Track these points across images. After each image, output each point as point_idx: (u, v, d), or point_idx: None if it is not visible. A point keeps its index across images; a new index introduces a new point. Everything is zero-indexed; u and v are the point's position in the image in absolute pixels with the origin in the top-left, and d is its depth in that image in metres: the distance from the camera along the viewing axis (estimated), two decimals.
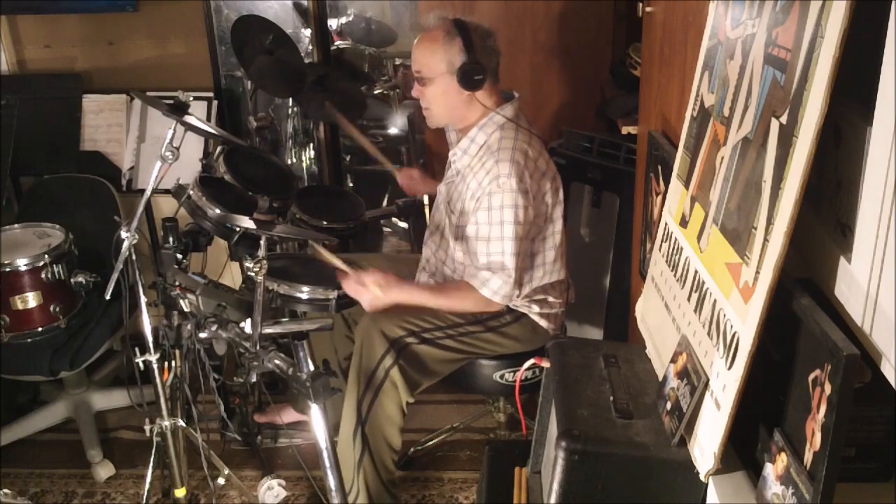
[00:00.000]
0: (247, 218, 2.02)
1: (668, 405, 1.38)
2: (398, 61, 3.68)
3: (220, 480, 2.19)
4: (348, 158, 3.63)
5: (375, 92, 3.65)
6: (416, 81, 2.16)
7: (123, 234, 1.90)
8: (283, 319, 2.10)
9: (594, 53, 3.08)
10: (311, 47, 3.20)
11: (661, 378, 1.48)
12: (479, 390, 2.39)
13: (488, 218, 2.07)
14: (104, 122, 3.16)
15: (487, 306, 2.14)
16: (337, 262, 2.12)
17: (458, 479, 2.54)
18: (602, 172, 2.79)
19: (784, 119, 1.09)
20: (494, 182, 2.05)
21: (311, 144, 3.32)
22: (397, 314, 2.15)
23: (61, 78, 3.20)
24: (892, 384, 0.95)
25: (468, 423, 2.77)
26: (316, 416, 2.02)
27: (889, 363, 0.95)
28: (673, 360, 1.41)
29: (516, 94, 2.22)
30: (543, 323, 2.25)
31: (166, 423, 2.07)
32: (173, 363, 2.08)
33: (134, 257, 1.93)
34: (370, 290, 2.04)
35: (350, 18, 3.67)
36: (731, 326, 1.20)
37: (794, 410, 1.12)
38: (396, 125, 3.70)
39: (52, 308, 2.49)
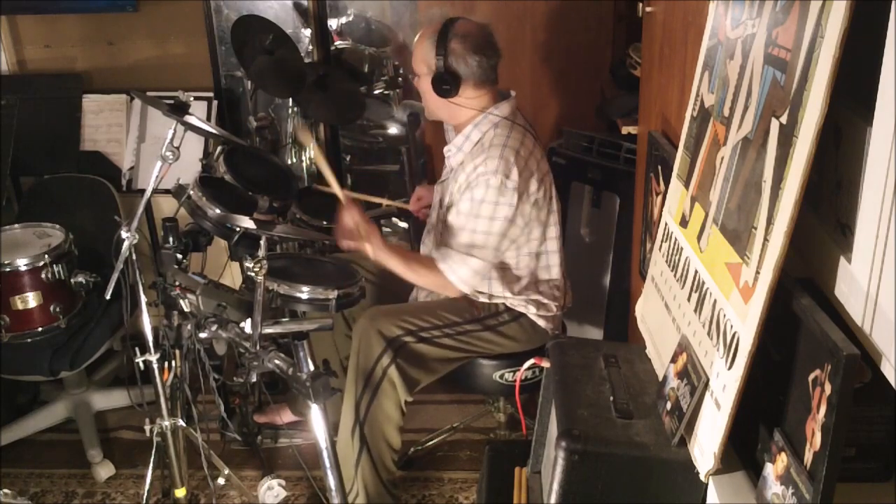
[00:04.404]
0: (247, 218, 2.02)
1: (668, 405, 1.38)
2: (398, 61, 3.68)
3: (220, 480, 2.19)
4: (348, 158, 3.63)
5: (375, 92, 3.65)
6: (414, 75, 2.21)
7: (123, 234, 1.89)
8: (283, 319, 2.10)
9: (594, 53, 3.08)
10: (311, 47, 3.20)
11: (661, 378, 1.48)
12: (479, 390, 2.39)
13: (468, 209, 2.09)
14: (104, 122, 3.16)
15: (445, 288, 2.16)
16: (333, 183, 2.16)
17: (458, 479, 2.54)
18: (602, 172, 2.79)
19: (784, 119, 1.09)
20: (481, 177, 2.06)
21: (312, 144, 3.31)
22: (395, 313, 2.16)
23: (61, 78, 3.20)
24: (892, 384, 0.95)
25: (468, 423, 2.77)
26: (316, 416, 2.02)
27: (889, 363, 0.95)
28: (673, 360, 1.41)
29: (513, 93, 2.22)
30: (542, 323, 2.25)
31: (166, 423, 2.07)
32: (173, 363, 2.08)
33: (134, 257, 1.93)
34: (355, 233, 2.09)
35: (350, 18, 3.66)
36: (731, 326, 1.20)
37: (794, 410, 1.12)
38: (396, 125, 3.70)
39: (52, 308, 2.49)
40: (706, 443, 1.25)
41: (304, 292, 2.04)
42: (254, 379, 2.04)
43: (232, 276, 2.77)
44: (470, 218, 2.09)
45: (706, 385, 1.27)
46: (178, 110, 1.94)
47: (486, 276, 2.14)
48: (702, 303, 1.33)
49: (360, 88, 3.21)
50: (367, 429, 2.12)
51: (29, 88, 3.14)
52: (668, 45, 1.89)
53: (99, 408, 2.81)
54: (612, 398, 1.48)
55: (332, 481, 2.07)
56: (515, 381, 2.17)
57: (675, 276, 1.51)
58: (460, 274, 2.11)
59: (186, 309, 2.00)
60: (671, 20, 1.86)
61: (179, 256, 2.06)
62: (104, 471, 2.60)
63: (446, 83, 2.10)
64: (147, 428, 2.09)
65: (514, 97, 2.21)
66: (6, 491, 2.02)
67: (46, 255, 2.46)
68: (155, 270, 2.14)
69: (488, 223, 2.07)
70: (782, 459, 1.10)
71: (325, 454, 2.05)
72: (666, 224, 1.62)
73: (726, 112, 1.33)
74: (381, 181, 3.61)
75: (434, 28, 2.12)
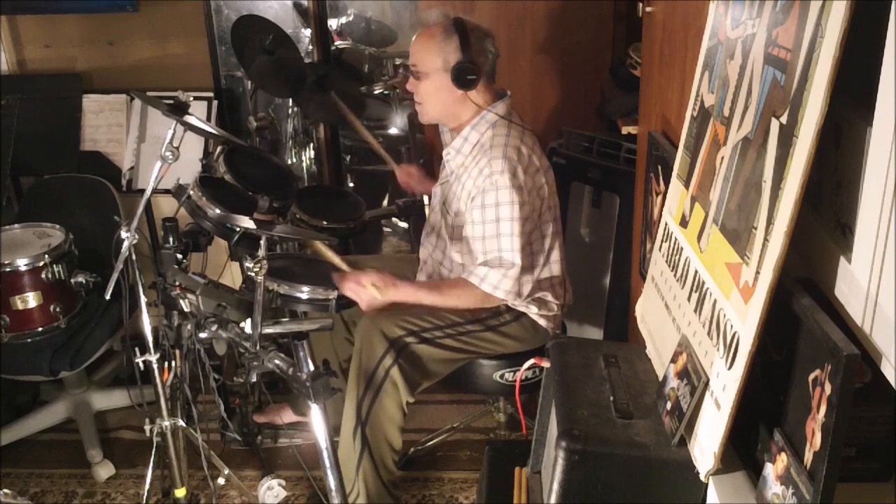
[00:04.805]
0: (247, 218, 2.02)
1: (668, 405, 1.38)
2: (398, 61, 3.68)
3: (220, 480, 2.19)
4: (348, 158, 3.64)
5: (375, 92, 3.65)
6: (412, 75, 2.18)
7: (123, 234, 1.89)
8: (283, 319, 2.10)
9: (594, 53, 3.07)
10: (311, 47, 3.20)
11: (661, 378, 1.48)
12: (479, 390, 2.39)
13: (483, 216, 2.07)
14: (104, 122, 3.16)
15: (486, 301, 2.14)
16: (336, 259, 2.14)
17: (458, 479, 2.54)
18: (602, 172, 2.79)
19: (784, 119, 1.09)
20: (488, 179, 2.05)
21: (311, 144, 3.32)
22: (396, 314, 2.16)
23: (61, 78, 3.19)
24: (892, 384, 0.95)
25: (468, 423, 2.77)
26: (316, 416, 2.02)
27: (889, 363, 0.95)
28: (673, 360, 1.41)
29: (508, 93, 2.22)
30: (543, 322, 2.25)
31: (166, 423, 2.07)
32: (173, 363, 2.08)
33: (134, 257, 1.93)
34: (368, 289, 2.05)
35: (350, 18, 3.67)
36: (731, 326, 1.20)
37: (794, 410, 1.12)
38: (396, 125, 3.70)
39: (52, 308, 2.49)
40: (706, 443, 1.25)
41: (304, 292, 2.04)
42: (254, 379, 2.04)
43: (232, 276, 2.78)
44: (490, 224, 2.07)
45: (706, 385, 1.27)
46: (178, 110, 1.94)
47: (525, 280, 2.12)
48: (702, 303, 1.33)
49: (360, 88, 3.21)
50: (368, 430, 2.12)
51: (29, 88, 3.14)
52: (668, 45, 1.89)
53: (99, 408, 2.81)
54: (612, 398, 1.48)
55: (332, 481, 2.08)
56: (515, 381, 2.16)
57: (675, 276, 1.51)
58: (505, 287, 2.09)
59: (186, 309, 2.00)
60: (671, 20, 1.86)
61: (179, 256, 2.06)
62: (104, 471, 2.60)
63: (472, 73, 2.09)
64: (147, 428, 2.09)
65: (510, 96, 2.22)
66: (6, 491, 2.01)
67: (46, 255, 2.46)
68: (155, 270, 2.14)
69: (510, 224, 2.06)
70: (782, 459, 1.10)
71: (325, 454, 2.05)
72: (666, 224, 1.62)
73: (726, 112, 1.33)
74: (382, 181, 3.61)
75: (446, 24, 2.12)
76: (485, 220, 2.07)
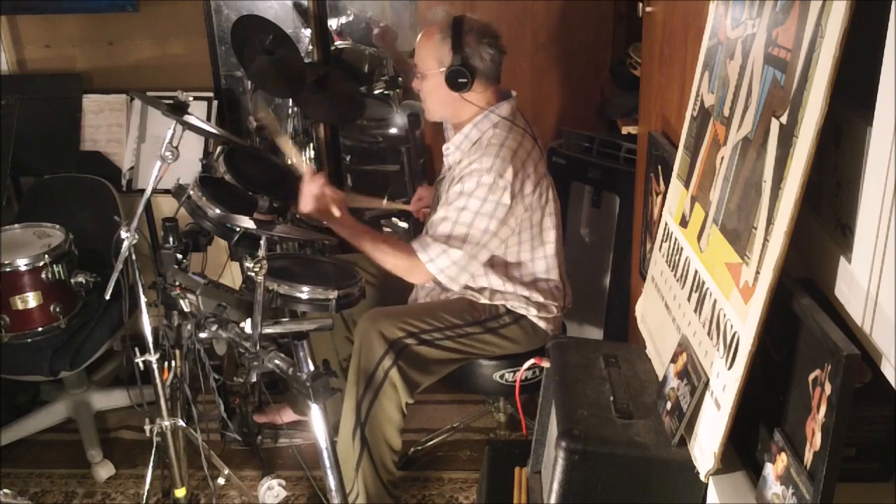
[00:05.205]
0: (247, 218, 2.02)
1: (668, 405, 1.38)
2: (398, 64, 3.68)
3: (220, 480, 2.19)
4: (348, 158, 3.63)
5: (375, 92, 3.65)
6: (416, 74, 2.19)
7: (123, 234, 1.89)
8: (283, 319, 2.10)
9: (594, 53, 3.08)
10: (311, 47, 3.20)
11: (661, 378, 1.48)
12: (479, 390, 2.39)
13: (455, 200, 2.08)
14: (104, 122, 3.16)
15: (414, 269, 2.11)
16: (296, 157, 2.16)
17: (458, 479, 2.54)
18: (602, 172, 2.79)
19: (784, 119, 1.09)
20: (474, 172, 2.06)
21: (311, 144, 3.31)
22: (396, 315, 2.16)
23: (61, 78, 3.19)
24: (892, 384, 0.95)
25: (468, 423, 2.77)
26: (316, 416, 2.02)
27: (889, 363, 0.95)
28: (673, 360, 1.41)
29: (514, 93, 2.22)
30: (542, 325, 2.25)
31: (166, 423, 2.07)
32: (173, 363, 2.08)
33: (134, 257, 1.93)
34: (325, 200, 2.09)
35: (350, 18, 3.67)
36: (731, 326, 1.19)
37: (794, 410, 1.12)
38: (396, 125, 3.70)
39: (52, 308, 2.49)
40: (706, 443, 1.25)
41: (304, 292, 2.04)
42: (254, 379, 2.03)
43: (232, 276, 2.77)
44: (454, 209, 2.07)
45: (706, 385, 1.27)
46: (178, 110, 1.94)
47: (465, 269, 2.11)
48: (702, 303, 1.33)
49: (360, 88, 3.21)
50: (367, 430, 2.12)
51: (29, 88, 3.14)
52: (668, 45, 1.89)
53: (99, 408, 2.81)
54: (612, 398, 1.48)
55: (332, 481, 2.07)
56: (515, 381, 2.17)
57: (675, 276, 1.51)
58: (439, 264, 2.08)
59: (186, 309, 2.00)
60: (671, 20, 1.86)
61: (179, 256, 2.06)
62: (104, 471, 2.60)
63: (463, 76, 2.09)
64: (147, 428, 2.08)
65: (515, 97, 2.21)
66: (6, 491, 2.01)
67: (46, 255, 2.46)
68: (155, 270, 2.14)
69: (472, 216, 2.06)
70: (782, 459, 1.10)
71: (325, 454, 2.05)
72: (666, 224, 1.62)
73: (726, 112, 1.33)
74: (381, 181, 3.60)
75: (444, 24, 2.12)
76: (453, 203, 2.07)
